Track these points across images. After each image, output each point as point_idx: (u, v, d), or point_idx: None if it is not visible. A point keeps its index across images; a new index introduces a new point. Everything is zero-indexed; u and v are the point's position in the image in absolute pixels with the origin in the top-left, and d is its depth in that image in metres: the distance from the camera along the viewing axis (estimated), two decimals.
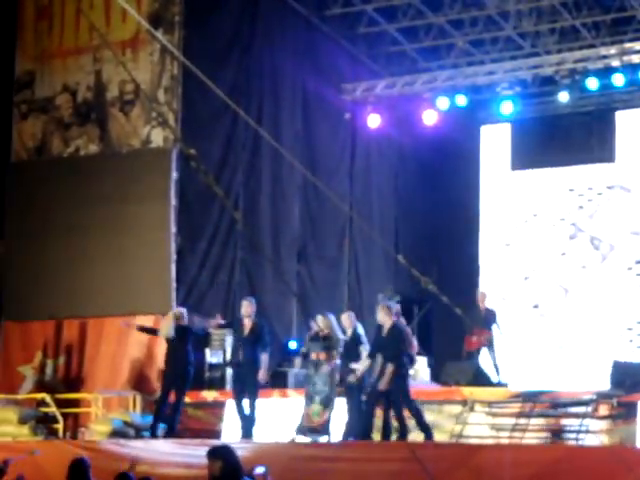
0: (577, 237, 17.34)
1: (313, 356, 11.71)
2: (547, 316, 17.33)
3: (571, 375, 15.93)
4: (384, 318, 10.90)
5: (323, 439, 11.45)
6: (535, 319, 17.45)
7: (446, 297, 14.25)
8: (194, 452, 10.23)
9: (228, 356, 13.13)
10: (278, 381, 13.77)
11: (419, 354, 15.30)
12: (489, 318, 14.56)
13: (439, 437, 11.70)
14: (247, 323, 11.88)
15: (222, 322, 12.49)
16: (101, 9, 14.69)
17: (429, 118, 16.50)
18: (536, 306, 17.45)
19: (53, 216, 14.72)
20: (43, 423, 13.16)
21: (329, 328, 11.84)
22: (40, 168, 15.20)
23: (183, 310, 12.45)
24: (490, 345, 14.48)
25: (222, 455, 6.39)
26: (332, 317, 12.05)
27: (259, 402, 11.78)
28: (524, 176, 18.12)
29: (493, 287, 17.55)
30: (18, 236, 15.08)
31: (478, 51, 16.88)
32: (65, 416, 13.37)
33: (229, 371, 12.41)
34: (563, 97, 15.63)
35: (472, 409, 12.08)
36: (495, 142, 18.43)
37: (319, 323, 11.93)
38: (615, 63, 15.13)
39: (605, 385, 11.84)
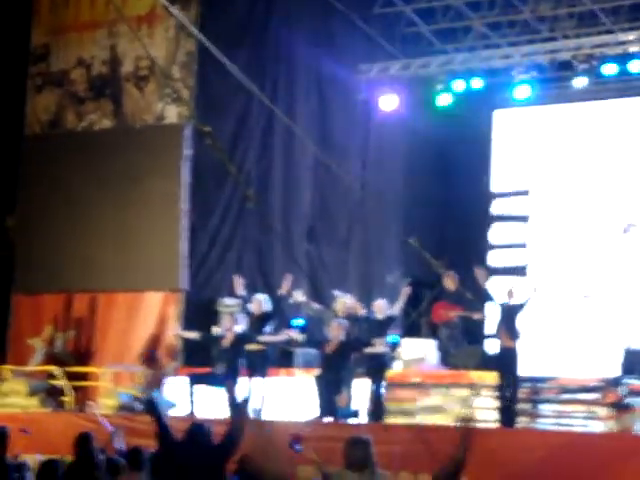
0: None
1: None
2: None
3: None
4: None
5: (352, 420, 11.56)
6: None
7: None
8: None
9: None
10: (285, 360, 13.80)
11: (427, 336, 15.36)
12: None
13: (446, 420, 11.72)
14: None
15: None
16: None
17: (444, 100, 16.42)
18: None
19: (65, 190, 14.75)
20: (52, 395, 13.24)
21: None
22: (53, 142, 15.22)
23: None
24: (453, 324, 14.24)
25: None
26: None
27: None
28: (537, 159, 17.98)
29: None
30: (30, 209, 15.12)
31: (495, 34, 16.76)
32: (74, 389, 13.44)
33: None
34: (580, 83, 15.54)
35: (479, 393, 12.10)
36: (509, 126, 18.34)
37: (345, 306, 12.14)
38: (633, 49, 15.02)
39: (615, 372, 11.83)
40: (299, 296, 12.99)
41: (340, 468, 6.56)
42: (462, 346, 14.03)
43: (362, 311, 12.36)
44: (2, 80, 15.41)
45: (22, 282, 15.08)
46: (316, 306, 13.49)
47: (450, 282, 14.18)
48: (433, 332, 14.76)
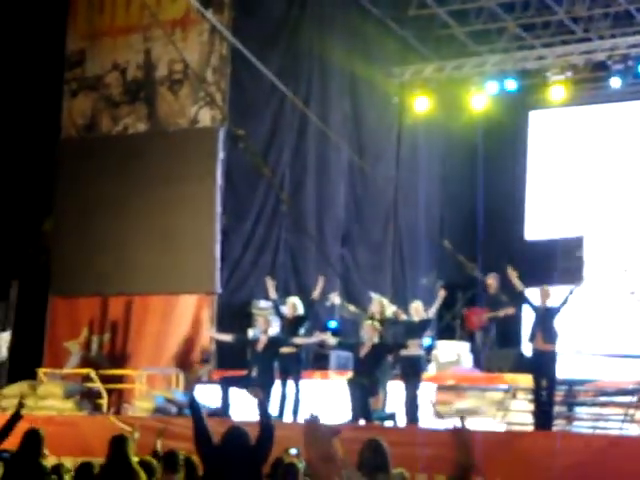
0: None
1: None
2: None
3: None
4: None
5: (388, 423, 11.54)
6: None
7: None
8: None
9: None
10: (320, 363, 13.79)
11: (461, 339, 15.30)
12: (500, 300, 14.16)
13: (481, 423, 11.66)
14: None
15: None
16: None
17: (478, 102, 16.35)
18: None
19: (101, 193, 14.84)
20: (88, 398, 13.32)
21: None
22: (89, 145, 15.33)
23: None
24: (488, 328, 14.16)
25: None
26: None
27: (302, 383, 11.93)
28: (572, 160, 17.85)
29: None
30: (67, 212, 15.24)
31: (529, 35, 16.66)
32: (109, 392, 13.51)
33: None
34: (615, 83, 15.41)
35: (514, 396, 12.02)
36: (544, 127, 18.22)
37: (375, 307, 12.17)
38: None
39: None
40: (335, 298, 13.00)
41: (352, 468, 6.46)
42: (495, 349, 13.93)
43: (403, 317, 12.29)
44: (38, 85, 15.56)
45: (59, 285, 15.20)
46: (352, 308, 13.48)
47: (492, 283, 14.09)
48: (469, 338, 14.68)
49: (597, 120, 17.42)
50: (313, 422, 3.86)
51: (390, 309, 12.45)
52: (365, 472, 6.08)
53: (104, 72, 15.29)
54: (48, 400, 13.02)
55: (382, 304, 12.50)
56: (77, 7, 15.60)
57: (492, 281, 14.12)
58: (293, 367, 12.06)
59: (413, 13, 16.60)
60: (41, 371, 13.94)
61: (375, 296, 12.81)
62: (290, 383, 12.00)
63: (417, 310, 12.04)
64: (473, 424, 11.57)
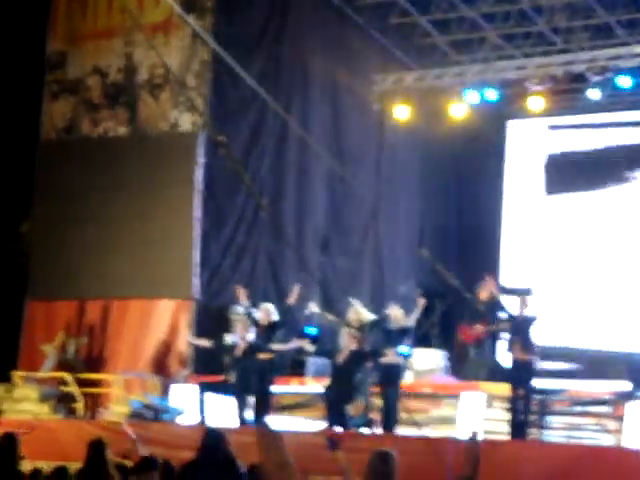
0: None
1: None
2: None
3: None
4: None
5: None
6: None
7: (468, 292, 14.27)
8: None
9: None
10: (297, 369, 13.80)
11: (438, 347, 15.34)
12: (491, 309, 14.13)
13: (456, 432, 11.70)
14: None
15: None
16: None
17: (458, 111, 16.42)
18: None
19: (80, 197, 14.81)
20: (63, 402, 13.27)
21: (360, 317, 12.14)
22: (68, 148, 15.29)
23: None
24: (482, 341, 14.18)
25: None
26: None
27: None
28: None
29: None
30: (45, 215, 15.19)
31: (509, 45, 16.79)
32: (85, 396, 13.47)
33: None
34: (594, 94, 15.52)
35: (490, 405, 12.06)
36: (523, 137, 18.35)
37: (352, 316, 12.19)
38: None
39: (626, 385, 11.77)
40: (314, 307, 13.02)
41: None
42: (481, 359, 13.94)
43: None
44: (18, 87, 15.51)
45: (36, 288, 15.14)
46: (330, 316, 13.50)
47: (484, 293, 14.03)
48: (464, 354, 14.61)
49: (574, 132, 17.59)
50: (266, 429, 3.86)
51: (367, 316, 12.48)
52: None
53: (85, 75, 15.26)
54: (23, 404, 12.97)
55: (358, 311, 12.54)
56: (58, 10, 15.57)
57: (484, 291, 14.12)
58: (268, 373, 12.07)
59: (395, 22, 16.68)
60: (16, 374, 13.88)
61: (354, 302, 12.84)
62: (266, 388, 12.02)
63: (396, 317, 12.06)
64: (449, 433, 11.66)
